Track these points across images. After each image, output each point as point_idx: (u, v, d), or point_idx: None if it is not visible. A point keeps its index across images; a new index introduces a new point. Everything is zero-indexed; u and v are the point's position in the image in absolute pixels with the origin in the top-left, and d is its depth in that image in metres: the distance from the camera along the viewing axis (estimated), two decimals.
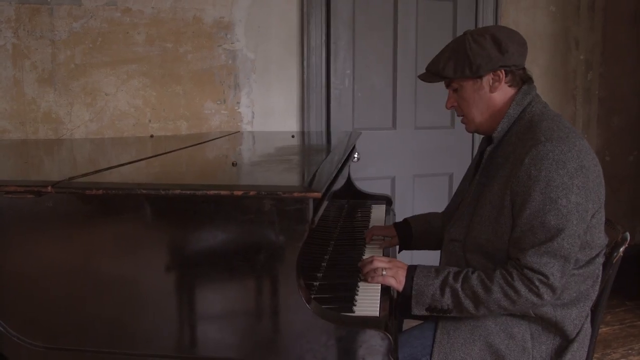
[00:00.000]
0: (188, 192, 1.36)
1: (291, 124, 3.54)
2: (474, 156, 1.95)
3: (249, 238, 1.37)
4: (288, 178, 1.60)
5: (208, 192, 1.35)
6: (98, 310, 1.48)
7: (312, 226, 1.37)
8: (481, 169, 1.76)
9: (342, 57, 3.60)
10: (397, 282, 1.69)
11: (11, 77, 3.11)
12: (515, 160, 1.59)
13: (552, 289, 1.54)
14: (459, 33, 3.81)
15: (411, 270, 1.69)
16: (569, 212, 1.52)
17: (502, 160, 1.66)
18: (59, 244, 1.49)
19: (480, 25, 3.86)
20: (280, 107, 3.51)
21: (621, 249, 1.78)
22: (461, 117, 1.80)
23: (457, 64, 1.68)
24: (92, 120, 3.23)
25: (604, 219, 1.69)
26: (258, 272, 1.38)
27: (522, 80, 1.72)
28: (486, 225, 1.65)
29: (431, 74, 1.76)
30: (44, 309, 1.51)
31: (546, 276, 1.53)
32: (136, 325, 1.46)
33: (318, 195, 1.32)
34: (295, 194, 1.32)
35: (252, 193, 1.33)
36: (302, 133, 3.38)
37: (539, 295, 1.54)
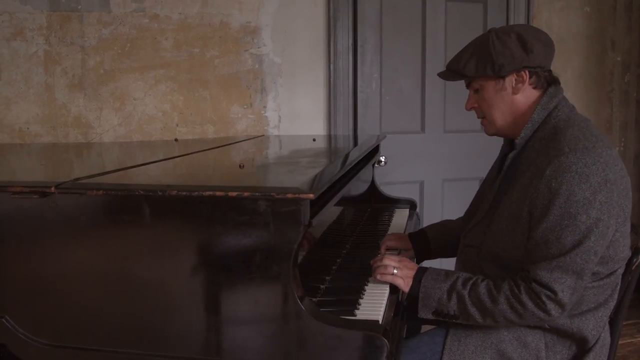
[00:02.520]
0: (184, 193, 1.37)
1: (318, 128, 3.54)
2: (496, 159, 1.89)
3: (244, 239, 1.37)
4: (287, 179, 1.60)
5: (203, 193, 1.36)
6: (101, 309, 1.50)
7: (308, 228, 1.36)
8: (502, 175, 1.69)
9: (370, 60, 3.58)
10: (405, 283, 1.66)
11: (43, 83, 3.20)
12: (537, 169, 1.52)
13: (560, 305, 1.48)
14: None
15: (420, 272, 1.66)
16: (588, 229, 1.44)
17: (524, 167, 1.60)
18: (65, 244, 1.52)
19: None
20: (307, 111, 3.51)
21: None
22: (481, 119, 1.74)
23: (479, 62, 1.62)
24: (120, 124, 3.29)
25: (629, 231, 1.60)
26: (253, 273, 1.37)
27: (547, 82, 1.64)
28: (503, 235, 1.60)
29: (451, 72, 1.70)
30: (51, 307, 1.54)
31: (554, 292, 1.46)
32: (135, 324, 1.48)
33: (311, 196, 1.31)
34: (289, 195, 1.31)
35: (246, 194, 1.33)
36: (329, 136, 3.37)
37: (546, 311, 1.48)
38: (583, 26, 3.98)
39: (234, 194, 1.33)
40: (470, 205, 1.94)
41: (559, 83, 1.67)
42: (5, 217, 1.55)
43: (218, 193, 1.34)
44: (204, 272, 1.42)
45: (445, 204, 3.84)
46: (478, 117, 1.74)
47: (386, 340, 1.35)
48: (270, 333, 1.39)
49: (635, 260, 1.71)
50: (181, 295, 1.43)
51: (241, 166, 1.73)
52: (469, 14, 3.74)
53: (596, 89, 4.06)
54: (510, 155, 1.67)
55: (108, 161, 2.35)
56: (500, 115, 1.67)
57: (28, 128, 3.22)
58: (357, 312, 1.52)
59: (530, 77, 1.61)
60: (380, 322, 1.47)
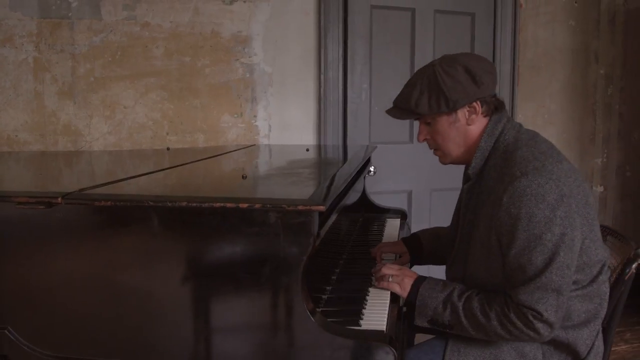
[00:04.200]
0: (194, 204, 1.37)
1: (308, 138, 3.55)
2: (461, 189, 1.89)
3: (254, 251, 1.38)
4: (294, 191, 1.60)
5: (214, 205, 1.36)
6: (106, 320, 1.49)
7: (318, 239, 1.37)
8: (464, 206, 1.72)
9: (359, 71, 3.61)
10: (402, 289, 1.70)
11: (32, 90, 3.18)
12: (495, 198, 1.54)
13: (548, 324, 1.50)
14: (477, 47, 3.81)
15: (419, 281, 1.69)
16: (555, 245, 1.47)
17: (485, 196, 1.62)
18: (68, 254, 1.51)
19: (498, 40, 3.86)
20: (297, 121, 3.53)
21: (634, 265, 1.75)
22: (434, 150, 1.75)
23: (431, 99, 1.61)
24: (110, 132, 3.27)
25: (599, 235, 1.64)
26: (263, 285, 1.38)
27: (495, 107, 1.66)
28: (480, 265, 1.62)
29: (402, 110, 1.68)
30: (53, 318, 1.53)
31: (539, 313, 1.48)
32: (143, 336, 1.47)
33: (322, 208, 1.33)
34: (300, 207, 1.32)
35: (257, 206, 1.34)
36: (318, 147, 3.39)
37: (535, 330, 1.50)
38: (568, 39, 4.05)
39: (245, 205, 1.34)
40: (449, 228, 1.95)
41: (504, 106, 1.69)
42: (8, 228, 1.54)
43: (229, 204, 1.35)
44: (213, 284, 1.41)
45: (433, 213, 3.87)
46: (430, 148, 1.75)
47: (393, 350, 1.37)
48: (279, 344, 1.40)
49: (628, 270, 1.75)
50: (190, 307, 1.43)
51: (244, 177, 1.73)
52: (457, 26, 3.79)
53: (580, 101, 4.13)
54: (466, 186, 1.71)
55: (108, 171, 2.33)
56: (455, 147, 1.68)
57: (17, 136, 3.19)
58: (361, 322, 1.53)
59: (481, 107, 1.63)
60: (385, 332, 1.49)
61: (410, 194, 3.83)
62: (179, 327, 1.44)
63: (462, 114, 1.64)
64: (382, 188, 3.61)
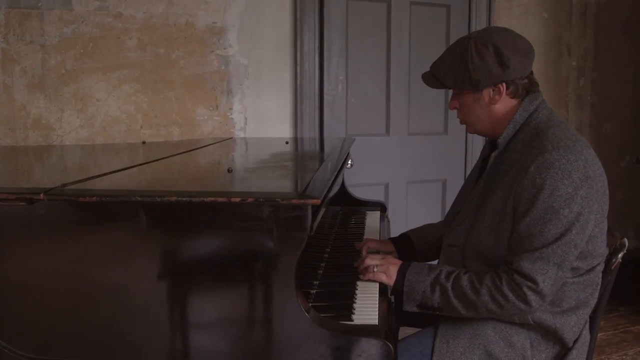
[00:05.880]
0: (184, 199, 1.33)
1: (284, 130, 3.52)
2: (476, 161, 1.93)
3: (246, 246, 1.35)
4: (285, 185, 1.58)
5: (205, 199, 1.32)
6: (91, 319, 1.44)
7: (311, 233, 1.35)
8: (485, 174, 1.73)
9: (336, 63, 3.59)
10: (388, 277, 1.71)
11: (0, 83, 3.07)
12: (520, 167, 1.56)
13: (540, 295, 1.52)
14: (452, 39, 3.80)
15: (404, 267, 1.70)
16: (570, 222, 1.50)
17: (507, 167, 1.64)
18: (50, 252, 1.46)
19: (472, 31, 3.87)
20: (273, 113, 3.49)
21: (620, 255, 1.76)
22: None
23: (457, 75, 1.65)
24: (82, 126, 3.19)
25: (606, 229, 1.67)
26: (256, 281, 1.35)
27: (525, 89, 1.67)
28: (487, 232, 1.63)
29: (434, 78, 1.72)
30: (35, 318, 1.47)
31: (536, 283, 1.51)
32: (130, 335, 1.43)
33: (317, 202, 1.30)
34: (294, 201, 1.30)
35: (250, 200, 1.31)
36: (296, 139, 3.36)
37: (526, 302, 1.52)
38: (541, 31, 4.09)
39: (237, 199, 1.30)
40: (451, 207, 1.97)
41: (538, 87, 1.71)
42: None
43: (220, 199, 1.31)
44: (204, 281, 1.38)
45: (410, 205, 3.88)
46: (458, 118, 1.78)
47: (388, 344, 1.36)
48: (273, 341, 1.38)
49: (614, 260, 1.76)
50: (178, 305, 1.39)
51: (230, 170, 1.69)
52: (432, 18, 3.79)
53: (553, 93, 4.17)
54: (494, 154, 1.71)
55: (86, 165, 2.27)
56: (478, 121, 1.72)
57: None
58: (353, 316, 1.52)
59: (507, 89, 1.65)
60: (377, 325, 1.47)
61: (387, 186, 3.83)
62: (169, 326, 1.40)
63: (486, 93, 1.66)
64: (359, 180, 3.60)
